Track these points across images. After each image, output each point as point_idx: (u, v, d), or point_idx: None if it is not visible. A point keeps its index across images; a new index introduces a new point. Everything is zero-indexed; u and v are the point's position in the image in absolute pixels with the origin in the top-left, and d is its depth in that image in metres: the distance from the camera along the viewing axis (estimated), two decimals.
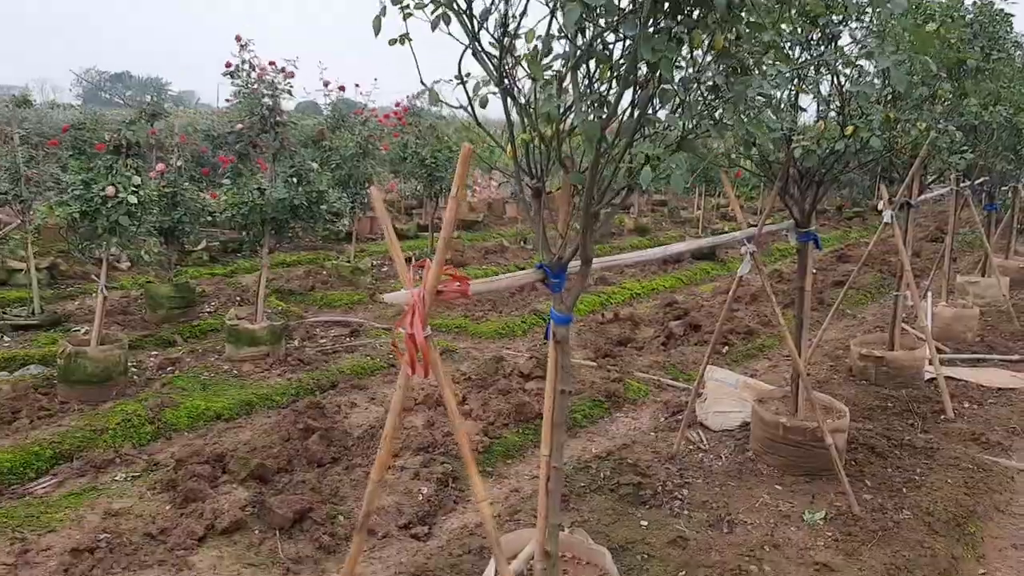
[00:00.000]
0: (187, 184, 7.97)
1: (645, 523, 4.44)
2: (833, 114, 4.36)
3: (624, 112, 2.61)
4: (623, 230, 16.00)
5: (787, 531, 4.42)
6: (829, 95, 4.36)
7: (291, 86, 7.17)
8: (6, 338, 7.58)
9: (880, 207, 6.43)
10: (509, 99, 2.76)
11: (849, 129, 4.22)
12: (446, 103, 2.83)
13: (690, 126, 2.58)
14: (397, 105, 13.38)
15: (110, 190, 6.00)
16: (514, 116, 2.81)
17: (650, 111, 2.57)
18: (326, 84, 11.95)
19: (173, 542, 4.10)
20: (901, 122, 4.17)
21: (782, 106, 4.25)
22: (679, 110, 2.57)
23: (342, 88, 12.40)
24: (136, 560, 3.91)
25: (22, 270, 9.14)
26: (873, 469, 5.21)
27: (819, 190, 4.87)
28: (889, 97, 4.44)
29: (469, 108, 2.86)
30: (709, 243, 4.28)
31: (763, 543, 4.27)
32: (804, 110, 4.56)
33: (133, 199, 6.13)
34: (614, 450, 5.42)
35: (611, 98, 2.54)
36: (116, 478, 4.91)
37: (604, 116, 2.52)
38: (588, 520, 4.43)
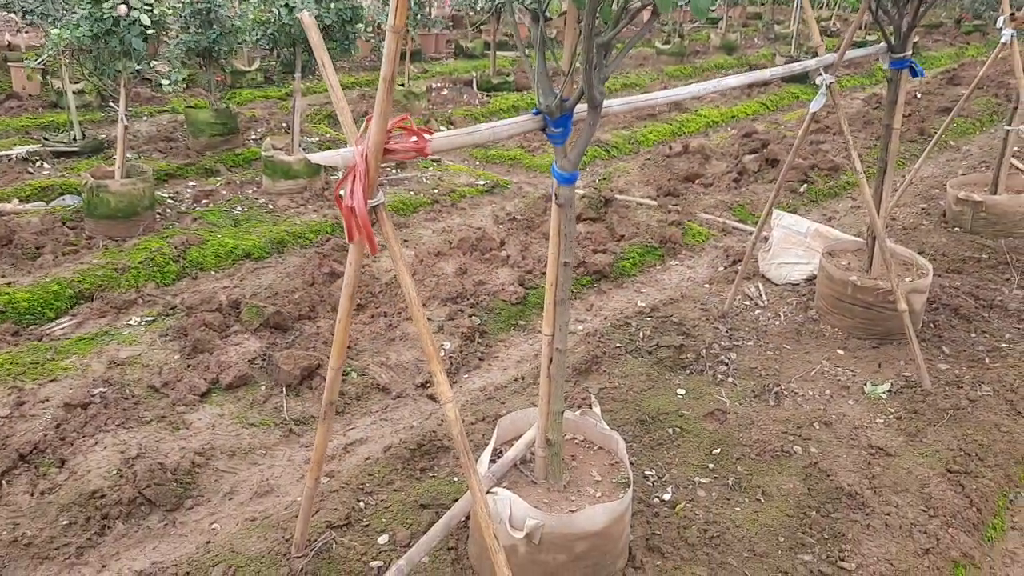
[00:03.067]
0: (220, 0, 7.34)
1: (682, 391, 4.01)
2: None
3: None
4: (708, 47, 14.70)
5: (843, 405, 3.93)
6: None
7: None
8: (46, 165, 7.40)
9: (999, 23, 5.39)
10: None
11: None
12: None
13: None
14: None
15: (122, 8, 5.48)
16: None
17: None
18: None
19: (175, 397, 3.90)
20: None
21: None
22: None
23: None
24: (133, 416, 3.73)
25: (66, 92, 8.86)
26: (954, 334, 4.59)
27: (920, 5, 3.98)
28: None
29: None
30: (771, 75, 3.53)
31: (813, 419, 3.80)
32: None
33: (146, 19, 5.61)
34: (659, 305, 4.94)
35: None
36: (131, 322, 4.72)
37: None
38: (619, 386, 4.03)
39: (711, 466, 3.48)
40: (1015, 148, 6.10)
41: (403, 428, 3.84)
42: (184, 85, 6.62)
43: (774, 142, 8.09)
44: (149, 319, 4.75)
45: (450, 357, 4.37)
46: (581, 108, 2.47)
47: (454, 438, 2.18)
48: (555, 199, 2.57)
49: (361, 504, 3.20)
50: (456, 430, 2.17)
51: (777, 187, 4.49)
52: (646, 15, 2.24)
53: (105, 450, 3.46)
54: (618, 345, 4.43)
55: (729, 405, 3.90)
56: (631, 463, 3.43)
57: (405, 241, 5.80)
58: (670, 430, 3.71)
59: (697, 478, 3.41)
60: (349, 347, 4.43)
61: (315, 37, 2.03)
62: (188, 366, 4.16)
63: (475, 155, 8.37)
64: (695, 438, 3.67)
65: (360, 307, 4.93)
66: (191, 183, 7.17)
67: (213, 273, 5.45)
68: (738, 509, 3.24)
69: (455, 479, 3.36)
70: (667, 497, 3.29)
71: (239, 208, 6.49)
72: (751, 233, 6.13)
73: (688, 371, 4.21)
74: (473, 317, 4.70)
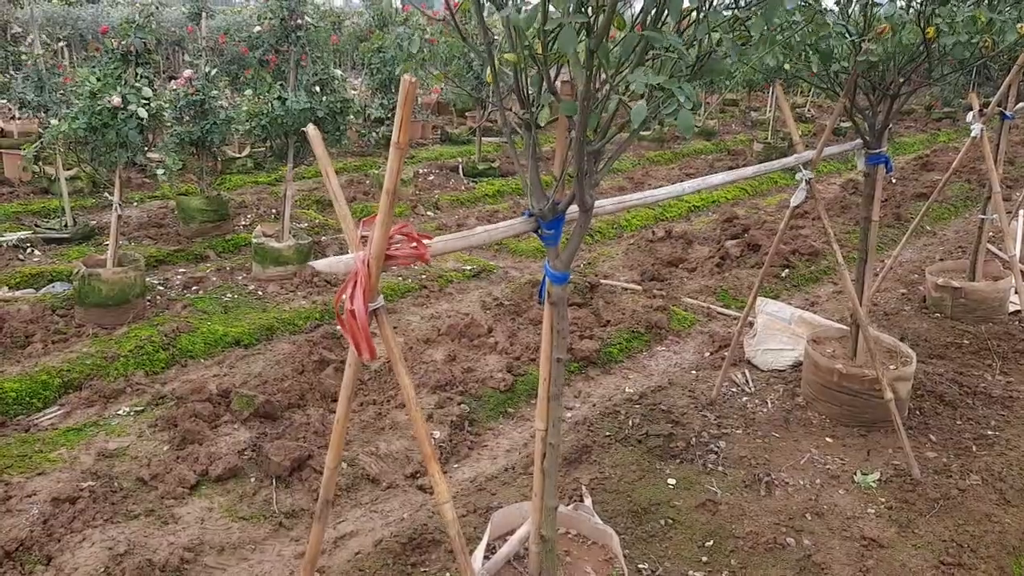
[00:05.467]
0: (215, 92, 7.53)
1: (673, 481, 4.02)
2: (911, 11, 3.62)
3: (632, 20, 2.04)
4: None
5: (834, 495, 3.95)
6: None
7: None
8: (36, 252, 7.44)
9: (968, 118, 5.61)
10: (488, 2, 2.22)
11: (930, 31, 3.51)
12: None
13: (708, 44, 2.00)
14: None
15: (115, 100, 5.62)
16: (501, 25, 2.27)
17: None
18: None
19: (163, 490, 3.86)
20: (997, 24, 3.42)
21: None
22: (694, 23, 1.99)
23: None
24: (121, 510, 3.68)
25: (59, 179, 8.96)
26: (940, 421, 4.64)
27: (893, 104, 4.16)
28: None
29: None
30: (753, 172, 3.67)
31: (805, 510, 3.81)
32: (880, 4, 3.82)
33: (143, 112, 5.75)
34: (648, 392, 4.97)
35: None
36: (120, 412, 4.70)
37: (591, 20, 1.96)
38: (609, 477, 4.03)
39: (704, 559, 3.47)
40: (990, 233, 6.27)
41: (394, 521, 3.81)
42: (161, 178, 6.71)
43: (755, 227, 8.27)
44: (138, 409, 4.73)
45: (440, 446, 4.36)
46: (572, 209, 2.56)
47: (451, 539, 2.19)
48: (548, 298, 2.63)
49: None
50: (453, 531, 2.18)
51: (762, 274, 4.59)
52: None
53: (93, 546, 3.41)
54: (608, 434, 4.45)
55: (720, 495, 3.91)
56: (624, 556, 3.42)
57: (395, 327, 5.83)
58: (662, 521, 3.71)
59: (691, 572, 3.39)
60: None
61: (319, 151, 2.12)
62: (177, 458, 4.13)
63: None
64: (688, 529, 3.66)
65: None
66: (181, 269, 7.22)
67: (203, 361, 5.45)
68: None
69: (448, 574, 3.33)
70: None
71: (229, 295, 6.52)
72: (736, 318, 6.23)
73: (678, 460, 4.22)
74: (462, 405, 4.71)
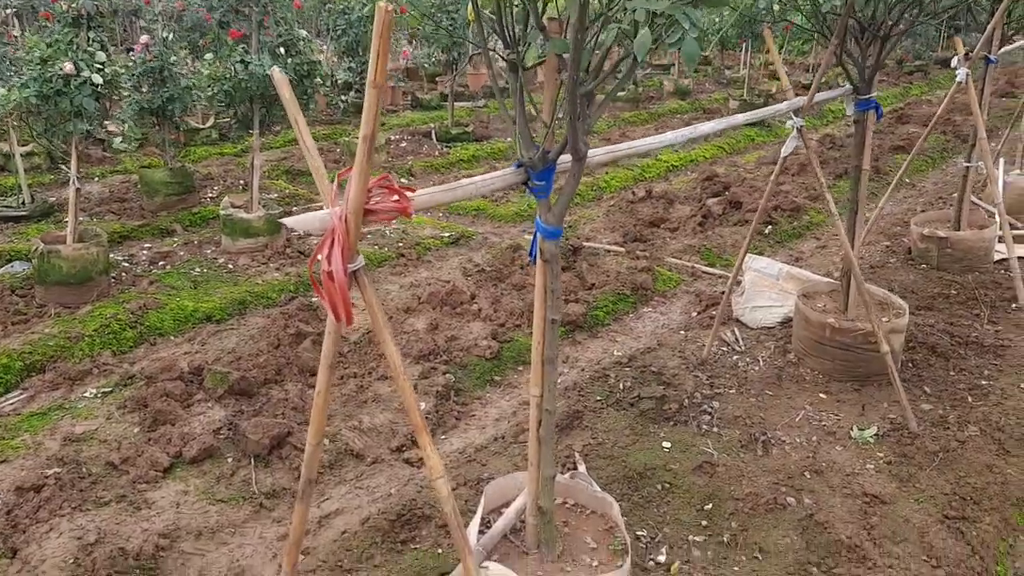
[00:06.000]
0: (174, 59, 7.20)
1: (667, 444, 3.89)
2: None
3: None
4: (662, 93, 14.91)
5: (832, 452, 3.84)
6: None
7: None
8: None
9: (953, 63, 5.47)
10: None
11: None
12: None
13: None
14: None
15: (68, 67, 5.32)
16: None
17: None
18: None
19: (135, 474, 3.67)
20: None
21: None
22: None
23: None
24: (90, 497, 3.49)
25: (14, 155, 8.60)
26: (933, 373, 4.55)
27: (884, 46, 4.01)
28: None
29: None
30: (745, 119, 3.50)
31: (804, 468, 3.70)
32: None
33: (98, 78, 5.46)
34: (637, 354, 4.83)
35: None
36: (87, 394, 4.48)
37: None
38: (603, 442, 3.89)
39: (704, 523, 3.35)
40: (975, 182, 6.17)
41: (381, 497, 3.65)
42: (137, 145, 6.42)
43: (735, 185, 8.12)
44: (106, 390, 4.51)
45: (426, 417, 4.20)
46: (562, 160, 2.39)
47: (447, 515, 2.03)
48: (540, 255, 2.46)
49: None
50: (448, 507, 2.02)
51: (752, 230, 4.46)
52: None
53: (61, 537, 3.22)
54: (599, 398, 4.31)
55: (717, 457, 3.79)
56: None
57: None
58: (659, 486, 3.58)
59: (691, 536, 3.27)
60: None
61: (287, 94, 1.92)
62: (149, 440, 3.93)
63: (438, 207, 8.26)
64: (685, 493, 3.54)
65: None
66: (147, 244, 6.96)
67: (173, 338, 5.23)
68: (736, 568, 3.11)
69: (440, 551, 3.18)
70: (662, 559, 3.15)
71: (198, 269, 6.28)
72: (721, 277, 6.11)
73: (672, 422, 4.09)
74: (447, 375, 4.55)
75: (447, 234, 7.17)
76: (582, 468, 3.55)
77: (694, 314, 5.49)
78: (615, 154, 2.66)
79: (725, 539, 3.25)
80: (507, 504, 2.91)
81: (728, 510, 3.42)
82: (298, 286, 6.00)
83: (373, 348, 4.90)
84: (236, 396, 4.32)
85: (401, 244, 6.87)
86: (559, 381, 4.63)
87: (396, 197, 1.95)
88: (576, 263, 6.11)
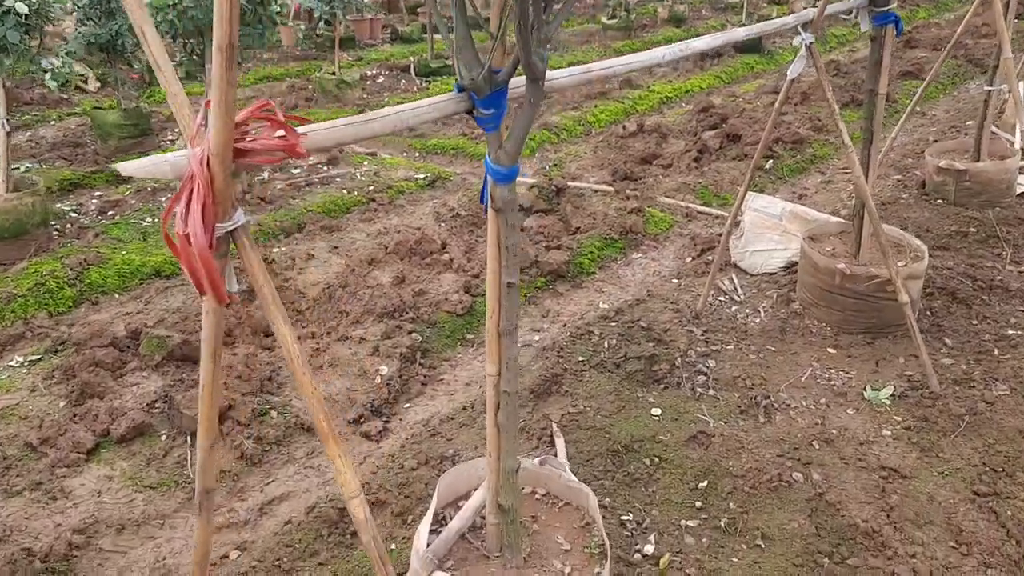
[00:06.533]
0: None
1: (657, 412, 3.45)
2: None
3: None
4: (656, 21, 14.16)
5: (843, 416, 3.41)
6: None
7: None
8: None
9: None
10: None
11: None
12: None
13: None
14: None
15: None
16: None
17: None
18: None
19: (55, 456, 3.24)
20: None
21: None
22: None
23: None
24: (1, 484, 3.06)
25: None
26: (954, 322, 4.09)
27: None
28: None
29: None
30: (747, 33, 2.97)
31: (811, 437, 3.27)
32: None
33: (23, 7, 4.87)
34: (624, 307, 4.37)
35: None
36: (12, 362, 4.03)
37: None
38: (584, 411, 3.45)
39: (698, 504, 2.93)
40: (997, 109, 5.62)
41: (331, 479, 3.22)
42: (74, 83, 5.86)
43: (733, 116, 7.55)
44: (34, 358, 4.06)
45: (388, 384, 3.75)
46: (518, 83, 1.88)
47: (365, 545, 1.59)
48: (491, 202, 1.97)
49: None
50: (367, 536, 1.57)
51: (753, 165, 3.94)
52: None
53: None
54: (581, 359, 3.86)
55: (713, 425, 3.35)
56: (604, 507, 2.88)
57: (336, 248, 5.14)
58: (647, 461, 3.15)
59: (683, 521, 2.85)
60: (269, 379, 3.79)
61: (138, 15, 1.40)
62: (74, 416, 3.49)
63: (414, 146, 7.71)
64: (677, 469, 3.11)
65: None
66: (98, 193, 6.43)
67: (116, 297, 4.76)
68: (735, 559, 2.69)
69: (393, 547, 2.76)
70: (649, 550, 2.73)
71: (149, 219, 5.77)
72: (718, 218, 5.61)
73: (662, 385, 3.65)
74: (413, 334, 4.09)
75: (422, 175, 6.63)
76: (560, 443, 3.12)
77: (688, 260, 5.01)
78: (585, 75, 2.14)
79: (722, 524, 2.83)
80: (465, 497, 2.47)
81: (726, 489, 2.99)
82: (257, 236, 5.49)
83: (335, 305, 4.44)
84: (177, 363, 3.87)
85: (372, 188, 6.34)
86: (537, 339, 4.17)
87: (281, 132, 1.45)
88: (559, 205, 5.60)
